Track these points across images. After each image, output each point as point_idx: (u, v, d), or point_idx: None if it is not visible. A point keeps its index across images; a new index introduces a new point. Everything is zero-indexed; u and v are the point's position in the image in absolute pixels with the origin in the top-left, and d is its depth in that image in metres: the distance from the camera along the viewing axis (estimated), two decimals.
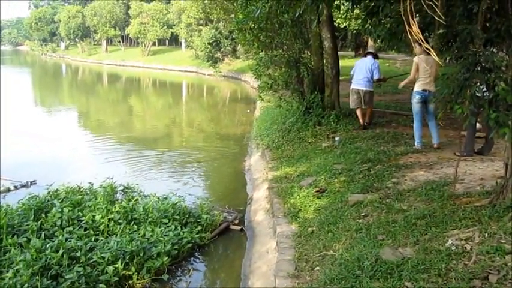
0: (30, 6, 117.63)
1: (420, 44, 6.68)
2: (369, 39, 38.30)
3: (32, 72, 68.11)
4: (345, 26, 31.39)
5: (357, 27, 29.21)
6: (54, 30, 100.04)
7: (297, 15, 8.56)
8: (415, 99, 9.97)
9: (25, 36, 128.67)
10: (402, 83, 10.71)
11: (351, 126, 12.67)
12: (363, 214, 6.95)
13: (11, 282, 5.94)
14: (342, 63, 14.15)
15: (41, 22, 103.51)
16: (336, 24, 25.30)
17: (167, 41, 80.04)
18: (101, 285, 6.30)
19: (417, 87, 9.92)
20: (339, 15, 26.73)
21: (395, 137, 11.43)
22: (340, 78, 14.31)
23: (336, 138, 11.69)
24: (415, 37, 4.83)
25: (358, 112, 12.88)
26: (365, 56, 13.15)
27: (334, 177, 8.95)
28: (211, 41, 45.78)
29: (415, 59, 9.81)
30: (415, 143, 10.17)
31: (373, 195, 7.59)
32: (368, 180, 8.38)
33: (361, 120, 12.82)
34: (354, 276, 5.18)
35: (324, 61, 13.95)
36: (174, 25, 64.99)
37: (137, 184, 10.41)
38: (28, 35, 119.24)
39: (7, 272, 6.26)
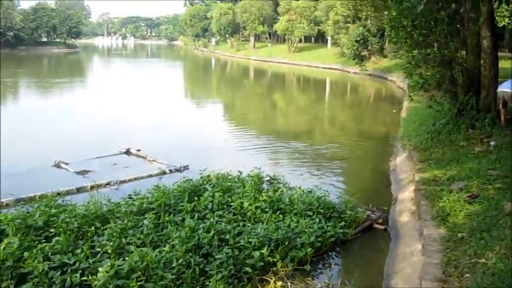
0: (186, 3, 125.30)
1: None
2: None
3: (184, 66, 72.63)
4: (504, 25, 29.23)
5: None
6: (207, 26, 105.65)
7: (461, 11, 8.17)
8: None
9: (179, 31, 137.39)
10: None
11: (509, 131, 11.85)
12: None
13: (167, 255, 6.46)
14: (499, 64, 13.23)
15: (195, 18, 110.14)
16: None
17: (313, 38, 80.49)
18: (247, 268, 6.60)
19: None
20: (499, 13, 25.03)
21: None
22: (498, 79, 13.40)
23: (492, 143, 11.01)
24: None
25: (502, 112, 12.38)
26: None
27: (488, 183, 8.47)
28: (358, 39, 45.24)
29: None
30: None
31: None
32: None
33: (502, 119, 12.34)
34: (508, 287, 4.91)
35: (482, 61, 13.12)
36: (321, 22, 65.12)
37: (282, 176, 10.73)
38: (182, 30, 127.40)
39: (164, 246, 6.80)
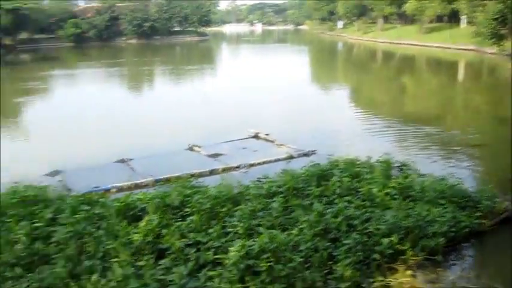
0: None
1: None
2: None
3: (310, 50, 72.63)
4: None
5: None
6: (333, 9, 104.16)
7: None
8: None
9: (306, 16, 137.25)
10: None
11: None
12: None
13: (296, 238, 6.56)
14: None
15: (321, 2, 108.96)
16: None
17: (445, 18, 76.32)
18: (375, 254, 6.51)
19: None
20: None
21: None
22: None
23: None
24: None
25: None
26: None
27: None
28: (496, 17, 42.07)
29: None
30: None
31: None
32: None
33: None
34: None
35: None
36: (455, 0, 61.47)
37: (413, 162, 10.39)
38: (309, 14, 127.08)
39: (292, 229, 6.90)
